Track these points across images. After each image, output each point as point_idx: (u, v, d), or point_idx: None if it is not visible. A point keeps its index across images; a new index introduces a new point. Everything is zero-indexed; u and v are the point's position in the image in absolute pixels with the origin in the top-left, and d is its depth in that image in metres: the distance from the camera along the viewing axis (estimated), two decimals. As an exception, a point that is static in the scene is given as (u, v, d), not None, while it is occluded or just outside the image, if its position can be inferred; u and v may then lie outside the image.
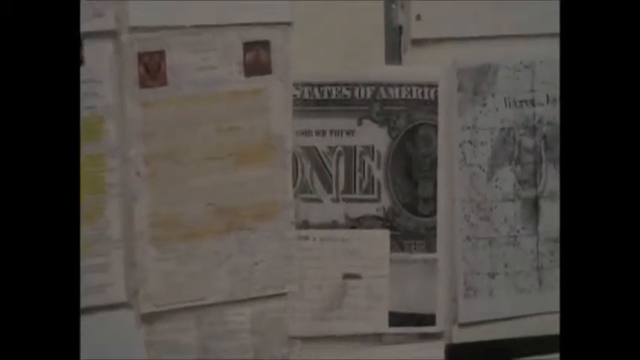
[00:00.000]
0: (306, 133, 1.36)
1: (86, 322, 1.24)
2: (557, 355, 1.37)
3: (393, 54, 1.37)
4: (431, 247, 1.41)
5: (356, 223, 1.39)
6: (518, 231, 1.45)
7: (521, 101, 1.42)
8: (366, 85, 1.36)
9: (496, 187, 1.44)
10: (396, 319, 1.41)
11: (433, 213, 1.41)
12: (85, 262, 1.27)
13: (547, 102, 1.43)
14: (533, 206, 1.45)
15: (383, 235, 1.39)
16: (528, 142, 1.44)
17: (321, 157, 1.37)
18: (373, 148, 1.39)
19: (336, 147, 1.38)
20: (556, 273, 1.46)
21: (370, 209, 1.39)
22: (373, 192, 1.39)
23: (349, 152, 1.38)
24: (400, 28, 1.36)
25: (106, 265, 1.30)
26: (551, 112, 1.43)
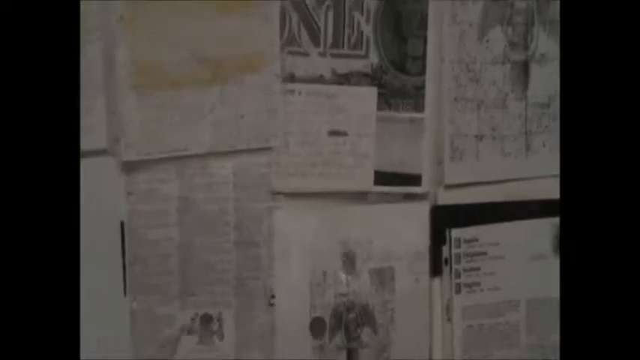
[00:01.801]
0: (294, -16, 1.32)
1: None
2: (541, 220, 1.38)
3: None
4: (418, 107, 1.40)
5: (343, 79, 1.37)
6: (506, 94, 1.43)
7: (515, -41, 1.38)
8: None
9: (486, 48, 1.41)
10: (381, 178, 1.39)
11: (422, 72, 1.39)
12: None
13: (542, -38, 1.39)
14: (523, 69, 1.42)
15: (370, 93, 1.37)
16: (520, 3, 1.41)
17: (309, 10, 1.34)
18: (362, 2, 1.36)
19: (325, 0, 1.34)
20: (543, 137, 1.44)
21: (358, 65, 1.37)
22: (361, 48, 1.37)
23: (338, 6, 1.36)
24: None
25: (86, 110, 1.27)
26: (546, -26, 1.39)
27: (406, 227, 1.42)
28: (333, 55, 1.36)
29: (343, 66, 1.37)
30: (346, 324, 1.41)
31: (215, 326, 1.37)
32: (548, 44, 1.43)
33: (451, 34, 1.40)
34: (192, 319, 1.36)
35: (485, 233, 1.44)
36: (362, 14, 1.37)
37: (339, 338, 1.41)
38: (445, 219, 1.43)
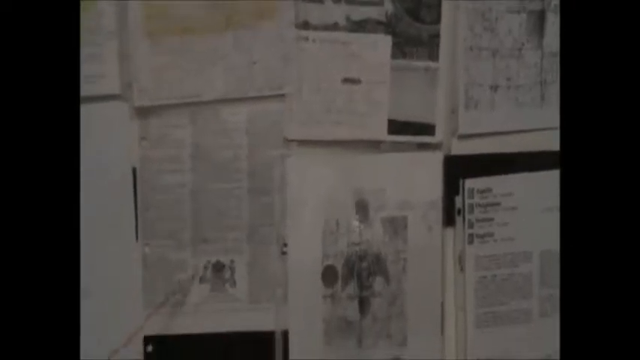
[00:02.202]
0: None
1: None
2: (556, 171, 1.36)
3: None
4: (433, 56, 1.39)
5: (357, 27, 1.35)
6: (522, 43, 1.41)
7: None
8: None
9: (502, -3, 1.39)
10: (395, 127, 1.39)
11: (437, 20, 1.37)
12: (78, 51, 1.24)
13: None
14: (539, 19, 1.41)
15: (384, 40, 1.36)
16: (537, -49, 1.39)
17: (321, -45, 1.33)
18: (376, -51, 1.34)
19: (339, -54, 1.33)
20: (558, 88, 1.42)
21: (372, 13, 1.36)
22: (376, -5, 1.35)
23: (353, -48, 1.33)
24: None
25: (98, 55, 1.27)
26: None
27: (419, 177, 1.41)
28: (348, 2, 1.36)
29: (358, 13, 1.36)
30: (358, 273, 1.41)
31: (227, 274, 1.37)
32: (564, -7, 1.40)
33: (466, -18, 1.37)
34: (205, 267, 1.36)
35: (499, 184, 1.43)
36: (376, -39, 1.35)
37: (351, 287, 1.41)
38: (458, 169, 1.43)
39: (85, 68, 1.27)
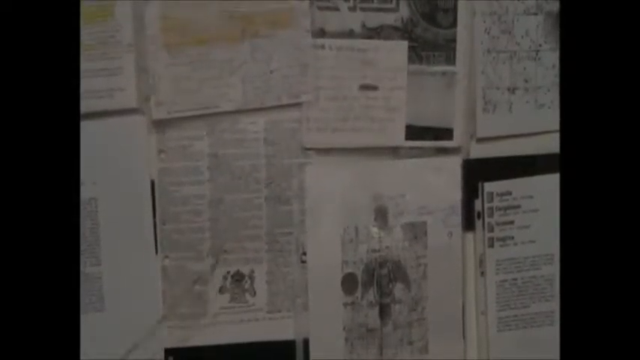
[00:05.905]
0: (321, -64, 1.30)
1: (96, 127, 1.22)
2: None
3: None
4: (450, 60, 1.37)
5: (373, 33, 1.34)
6: (540, 45, 1.40)
7: None
8: None
9: (519, -1, 1.38)
10: (413, 132, 1.37)
11: (453, 24, 1.36)
12: (95, 65, 1.24)
13: None
14: (556, 20, 1.40)
15: (401, 46, 1.35)
16: (552, -47, 1.38)
17: (338, -37, 1.31)
18: (391, -46, 1.33)
19: (354, -48, 1.32)
20: (577, 89, 1.41)
21: (388, 19, 1.35)
22: (391, 1, 1.35)
23: (367, -42, 1.32)
24: None
25: (116, 69, 1.26)
26: None
27: (438, 181, 1.40)
28: (363, 9, 1.34)
29: (373, 20, 1.35)
30: (378, 280, 1.40)
31: (247, 284, 1.36)
32: (582, -7, 1.39)
33: (482, -15, 1.36)
34: (224, 277, 1.35)
35: (519, 186, 1.42)
36: (391, -34, 1.33)
37: (372, 294, 1.40)
38: (478, 172, 1.42)
39: (102, 82, 1.26)
